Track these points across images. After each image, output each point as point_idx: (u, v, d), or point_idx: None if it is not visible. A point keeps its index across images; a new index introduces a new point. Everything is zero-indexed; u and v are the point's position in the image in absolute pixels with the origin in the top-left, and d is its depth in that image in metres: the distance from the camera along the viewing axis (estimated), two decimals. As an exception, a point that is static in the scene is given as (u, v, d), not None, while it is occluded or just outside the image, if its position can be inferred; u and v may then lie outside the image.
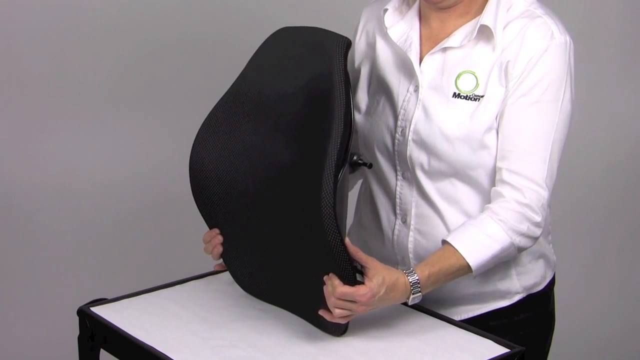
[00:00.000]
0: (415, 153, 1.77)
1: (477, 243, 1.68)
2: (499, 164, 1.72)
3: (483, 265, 1.68)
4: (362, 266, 1.60)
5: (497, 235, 1.68)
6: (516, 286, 1.83)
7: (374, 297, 1.58)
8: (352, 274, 1.56)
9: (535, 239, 1.73)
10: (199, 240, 1.81)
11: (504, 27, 1.73)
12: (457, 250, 1.67)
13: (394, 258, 1.86)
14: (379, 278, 1.59)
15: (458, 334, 1.68)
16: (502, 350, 1.60)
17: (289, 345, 1.63)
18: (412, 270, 1.64)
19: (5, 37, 2.92)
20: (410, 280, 1.63)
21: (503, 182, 1.71)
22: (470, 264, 1.67)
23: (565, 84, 1.72)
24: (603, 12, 3.21)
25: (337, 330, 1.64)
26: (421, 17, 1.82)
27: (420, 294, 1.64)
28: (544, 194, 1.71)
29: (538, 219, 1.70)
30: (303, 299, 1.68)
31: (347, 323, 1.62)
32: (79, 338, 1.75)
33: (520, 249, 1.73)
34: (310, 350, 1.61)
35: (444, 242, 1.70)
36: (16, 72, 2.96)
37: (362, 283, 1.60)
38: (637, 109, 3.31)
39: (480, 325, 1.75)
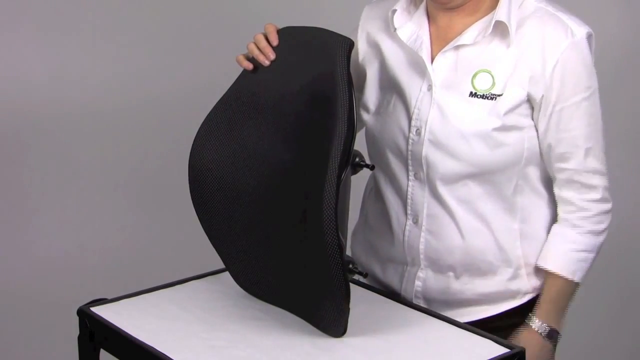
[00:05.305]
0: (430, 153, 1.77)
1: (578, 262, 1.80)
2: (562, 165, 1.77)
3: (586, 274, 1.82)
4: None
5: (591, 246, 1.81)
6: (526, 286, 1.84)
7: None
8: (344, 277, 1.56)
9: (609, 222, 1.83)
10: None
11: (519, 26, 1.73)
12: (561, 277, 1.80)
13: (404, 259, 1.86)
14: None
15: (458, 333, 1.68)
16: (502, 350, 1.60)
17: (289, 346, 1.62)
18: (531, 317, 1.81)
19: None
20: (534, 327, 1.80)
21: (573, 181, 1.78)
22: (578, 281, 1.81)
23: (594, 72, 1.76)
24: (603, 11, 3.21)
25: (337, 330, 1.64)
26: (429, 17, 1.82)
27: (548, 327, 1.80)
28: (607, 176, 1.80)
29: (609, 205, 1.81)
30: (303, 299, 1.68)
31: (346, 324, 1.62)
32: (79, 338, 1.75)
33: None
34: (310, 350, 1.61)
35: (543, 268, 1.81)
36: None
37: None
38: (637, 108, 3.30)
39: (487, 326, 1.76)
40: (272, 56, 1.73)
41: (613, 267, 3.34)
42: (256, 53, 1.74)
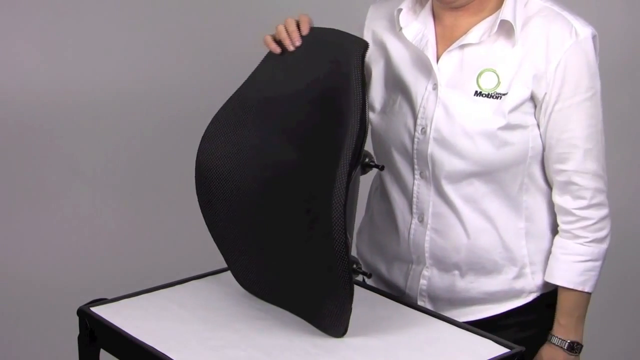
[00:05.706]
0: (436, 151, 1.77)
1: (585, 272, 1.79)
2: (560, 167, 1.76)
3: (597, 282, 1.82)
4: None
5: (596, 254, 1.80)
6: (531, 285, 1.83)
7: None
8: (349, 276, 1.56)
9: (610, 226, 1.82)
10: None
11: (524, 25, 1.73)
12: (571, 290, 1.80)
13: (409, 257, 1.86)
14: None
15: (458, 334, 1.68)
16: (502, 350, 1.60)
17: (289, 345, 1.62)
18: (551, 335, 1.82)
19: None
20: (555, 343, 1.81)
21: (571, 183, 1.76)
22: (589, 291, 1.81)
23: (597, 73, 1.75)
24: (607, 12, 3.21)
25: (338, 330, 1.64)
26: (434, 16, 1.82)
27: (567, 341, 1.81)
28: (605, 179, 1.78)
29: (607, 210, 1.79)
30: (304, 298, 1.68)
31: (347, 323, 1.62)
32: (79, 338, 1.75)
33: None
34: (310, 350, 1.61)
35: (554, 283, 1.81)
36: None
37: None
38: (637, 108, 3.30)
39: (492, 325, 1.77)
40: (298, 43, 1.73)
41: (608, 268, 3.34)
42: (284, 36, 1.74)
